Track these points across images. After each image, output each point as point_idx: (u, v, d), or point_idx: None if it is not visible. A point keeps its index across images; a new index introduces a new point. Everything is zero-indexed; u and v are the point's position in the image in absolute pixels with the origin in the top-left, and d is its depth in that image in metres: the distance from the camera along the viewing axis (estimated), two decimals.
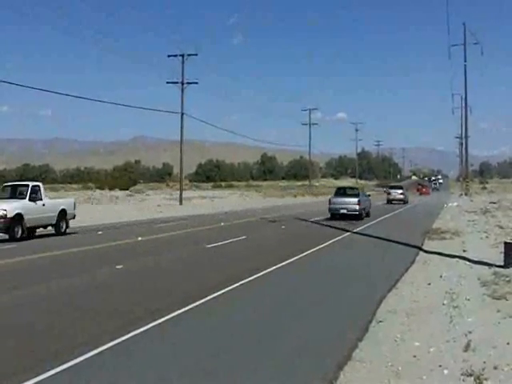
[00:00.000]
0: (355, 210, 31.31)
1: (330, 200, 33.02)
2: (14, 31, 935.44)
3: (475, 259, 13.97)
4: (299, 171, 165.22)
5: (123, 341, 7.31)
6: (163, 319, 8.44)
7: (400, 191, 57.71)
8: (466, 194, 69.52)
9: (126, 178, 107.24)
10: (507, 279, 10.73)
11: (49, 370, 6.12)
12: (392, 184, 77.26)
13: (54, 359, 6.52)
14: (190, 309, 9.20)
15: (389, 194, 57.53)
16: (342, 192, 34.71)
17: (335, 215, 31.72)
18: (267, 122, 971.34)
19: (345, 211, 31.26)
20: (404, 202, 55.74)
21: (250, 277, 12.13)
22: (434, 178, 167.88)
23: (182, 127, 53.74)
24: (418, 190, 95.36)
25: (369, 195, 39.14)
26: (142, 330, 7.83)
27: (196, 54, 55.22)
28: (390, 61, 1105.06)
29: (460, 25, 69.17)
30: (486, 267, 12.63)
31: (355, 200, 31.16)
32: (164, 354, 6.80)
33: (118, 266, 13.98)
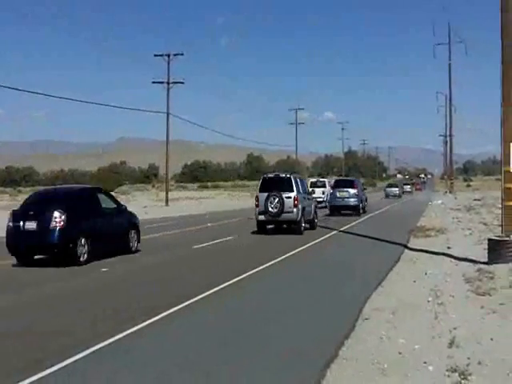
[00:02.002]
0: (352, 196, 35.29)
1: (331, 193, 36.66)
2: None
3: (460, 256, 14.10)
4: (286, 171, 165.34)
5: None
6: (153, 319, 8.46)
7: (396, 189, 74.55)
8: (450, 192, 70.04)
9: (111, 179, 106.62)
10: (491, 276, 10.84)
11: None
12: (389, 183, 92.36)
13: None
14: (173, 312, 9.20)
15: (386, 190, 74.06)
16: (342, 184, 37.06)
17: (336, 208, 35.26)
18: (255, 122, 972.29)
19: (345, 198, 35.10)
20: (399, 196, 71.78)
21: (236, 277, 12.11)
22: (422, 177, 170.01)
23: (167, 127, 53.62)
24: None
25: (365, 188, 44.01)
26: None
27: (182, 54, 55.12)
28: (376, 60, 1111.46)
29: (446, 24, 69.42)
30: (471, 264, 12.76)
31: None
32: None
33: (102, 269, 13.94)
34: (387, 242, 18.91)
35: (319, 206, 32.73)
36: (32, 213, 14.52)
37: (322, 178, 54.96)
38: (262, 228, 23.66)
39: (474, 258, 13.33)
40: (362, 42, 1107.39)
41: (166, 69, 53.50)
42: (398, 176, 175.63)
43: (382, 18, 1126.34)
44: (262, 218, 23.32)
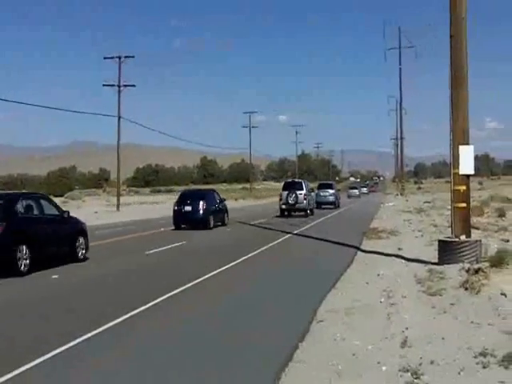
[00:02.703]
0: (331, 195, 49.76)
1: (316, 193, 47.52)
2: None
3: (411, 257, 14.32)
4: (240, 174, 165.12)
5: None
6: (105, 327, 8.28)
7: (356, 190, 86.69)
8: (401, 194, 71.35)
9: (61, 184, 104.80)
10: (441, 276, 11.04)
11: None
12: (351, 186, 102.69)
13: None
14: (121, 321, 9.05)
15: (349, 191, 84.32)
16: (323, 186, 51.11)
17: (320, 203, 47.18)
18: (208, 126, 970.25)
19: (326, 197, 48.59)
20: (359, 196, 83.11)
21: (188, 283, 11.93)
22: (375, 179, 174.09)
23: (118, 131, 52.93)
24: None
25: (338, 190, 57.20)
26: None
27: (133, 56, 54.51)
28: (330, 64, 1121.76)
29: (398, 28, 70.53)
30: (422, 265, 12.97)
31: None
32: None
33: (53, 276, 13.62)
34: (341, 244, 19.09)
35: (296, 206, 37.60)
36: None
37: (354, 178, 70.29)
38: (283, 213, 36.97)
39: (424, 259, 13.56)
40: (315, 45, 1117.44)
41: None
42: (351, 179, 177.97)
43: (334, 20, 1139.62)
44: (284, 206, 37.00)
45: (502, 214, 25.22)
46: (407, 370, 5.98)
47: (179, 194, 33.01)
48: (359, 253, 16.58)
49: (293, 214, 36.90)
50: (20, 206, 14.65)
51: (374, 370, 6.17)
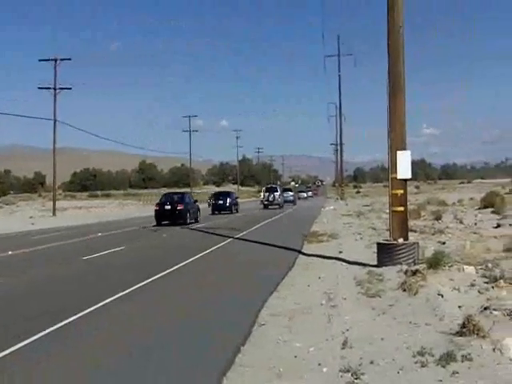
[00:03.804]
0: (292, 196, 69.74)
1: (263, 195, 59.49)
2: None
3: (351, 260, 14.52)
4: (181, 178, 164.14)
5: None
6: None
7: (304, 193, 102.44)
8: (341, 198, 72.41)
9: None
10: (380, 278, 11.24)
11: None
12: (300, 189, 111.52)
13: None
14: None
15: (298, 194, 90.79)
16: (270, 189, 60.69)
17: (267, 205, 57.29)
18: (149, 129, 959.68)
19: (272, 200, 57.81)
20: (306, 198, 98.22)
21: (122, 291, 11.53)
22: (317, 183, 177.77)
23: (54, 134, 51.86)
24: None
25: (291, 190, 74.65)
26: None
27: (69, 59, 53.59)
28: (270, 69, 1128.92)
29: (337, 36, 71.68)
30: (361, 267, 13.17)
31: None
32: None
33: None
34: (282, 247, 19.17)
35: (274, 203, 57.59)
36: None
37: (275, 185, 77.94)
38: (266, 207, 56.54)
39: (364, 262, 13.77)
40: (254, 48, 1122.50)
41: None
42: (292, 183, 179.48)
43: (274, 26, 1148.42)
44: (266, 202, 57.48)
45: (438, 217, 25.91)
46: (348, 371, 6.05)
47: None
48: (300, 256, 16.69)
49: (270, 207, 56.26)
50: None
51: (315, 371, 6.22)
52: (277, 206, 56.43)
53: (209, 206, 52.12)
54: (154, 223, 33.59)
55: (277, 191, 58.62)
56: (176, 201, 34.84)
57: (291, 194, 71.03)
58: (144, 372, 6.49)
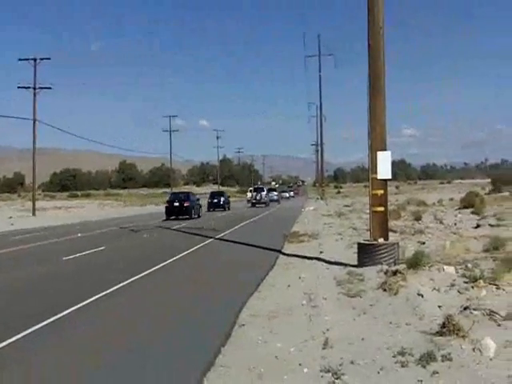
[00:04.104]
0: (276, 195, 76.09)
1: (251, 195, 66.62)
2: None
3: (331, 260, 14.54)
4: (161, 179, 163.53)
5: None
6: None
7: (287, 193, 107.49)
8: (322, 199, 72.61)
9: None
10: (361, 278, 11.26)
11: None
12: (282, 189, 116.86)
13: None
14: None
15: (281, 194, 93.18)
16: (256, 189, 67.94)
17: (254, 203, 62.29)
18: (129, 129, 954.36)
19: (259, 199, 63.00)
20: (289, 198, 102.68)
21: (102, 292, 11.48)
22: (299, 184, 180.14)
23: (34, 134, 51.41)
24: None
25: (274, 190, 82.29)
26: None
27: (49, 58, 53.23)
28: (252, 69, 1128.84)
29: (317, 36, 71.80)
30: (342, 267, 13.19)
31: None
32: None
33: None
34: (263, 247, 19.14)
35: (261, 201, 62.43)
36: None
37: (262, 185, 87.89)
38: (253, 205, 60.99)
39: (344, 262, 13.79)
40: (235, 49, 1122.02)
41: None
42: (273, 183, 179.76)
43: (255, 26, 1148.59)
44: (254, 201, 62.44)
45: (418, 217, 26.06)
46: (328, 371, 6.05)
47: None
48: (281, 256, 16.67)
49: (257, 205, 61.05)
50: None
51: (296, 371, 6.20)
52: (263, 205, 61.39)
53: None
54: (134, 223, 33.19)
55: (263, 191, 65.43)
56: (183, 199, 40.95)
57: (275, 193, 78.26)
58: (123, 377, 6.43)
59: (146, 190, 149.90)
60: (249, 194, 70.61)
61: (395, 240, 13.98)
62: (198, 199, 43.64)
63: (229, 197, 59.98)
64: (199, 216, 41.18)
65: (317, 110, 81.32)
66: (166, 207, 40.76)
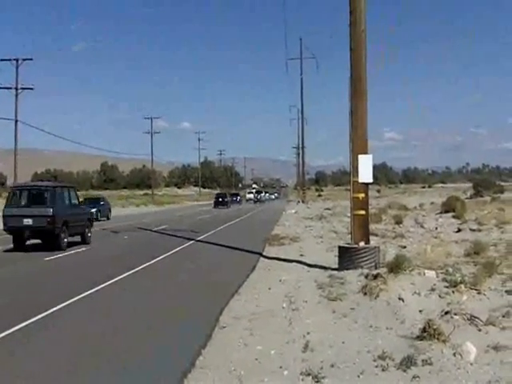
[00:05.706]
0: (264, 195, 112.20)
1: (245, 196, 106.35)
2: None
3: (312, 263, 14.54)
4: (142, 180, 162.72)
5: None
6: None
7: (272, 195, 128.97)
8: (303, 202, 72.63)
9: None
10: (341, 281, 11.25)
11: None
12: (266, 191, 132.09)
13: None
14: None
15: (270, 195, 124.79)
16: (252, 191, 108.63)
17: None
18: (110, 130, 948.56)
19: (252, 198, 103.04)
20: (274, 199, 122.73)
21: (84, 292, 11.49)
22: (283, 184, 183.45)
23: (15, 135, 50.80)
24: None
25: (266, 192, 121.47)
26: None
27: (31, 59, 52.70)
28: (233, 71, 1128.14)
29: (298, 40, 71.84)
30: (322, 270, 13.19)
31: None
32: None
33: None
34: (243, 250, 19.10)
35: (261, 200, 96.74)
36: None
37: (257, 186, 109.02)
38: (255, 203, 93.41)
39: (325, 265, 13.79)
40: (216, 50, 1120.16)
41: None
42: (254, 186, 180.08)
43: (238, 28, 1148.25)
44: (251, 201, 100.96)
45: (399, 221, 26.18)
46: (308, 374, 6.03)
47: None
48: (262, 259, 16.64)
49: (257, 203, 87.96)
50: None
51: (276, 374, 6.18)
52: (258, 202, 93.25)
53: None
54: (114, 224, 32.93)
55: (262, 192, 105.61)
56: (223, 196, 74.38)
57: (268, 194, 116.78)
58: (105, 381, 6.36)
59: (127, 191, 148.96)
60: (248, 195, 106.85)
61: (376, 244, 14.02)
62: (228, 196, 76.22)
63: (229, 197, 79.23)
64: (228, 207, 68.98)
65: (298, 113, 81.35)
66: (214, 201, 71.79)
